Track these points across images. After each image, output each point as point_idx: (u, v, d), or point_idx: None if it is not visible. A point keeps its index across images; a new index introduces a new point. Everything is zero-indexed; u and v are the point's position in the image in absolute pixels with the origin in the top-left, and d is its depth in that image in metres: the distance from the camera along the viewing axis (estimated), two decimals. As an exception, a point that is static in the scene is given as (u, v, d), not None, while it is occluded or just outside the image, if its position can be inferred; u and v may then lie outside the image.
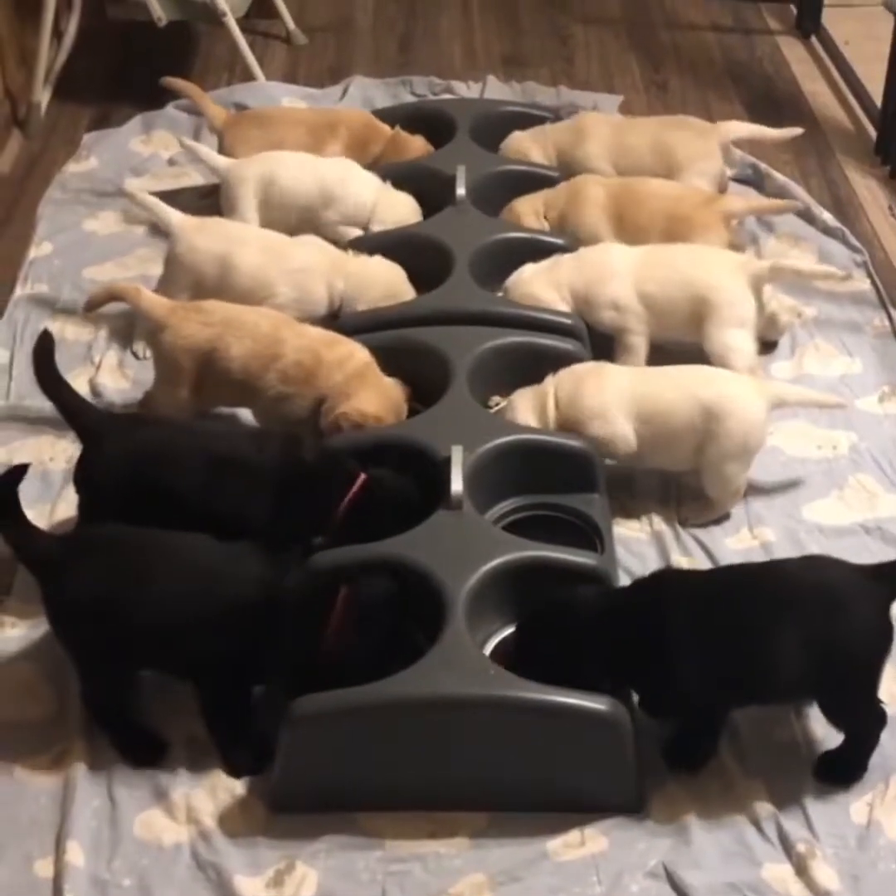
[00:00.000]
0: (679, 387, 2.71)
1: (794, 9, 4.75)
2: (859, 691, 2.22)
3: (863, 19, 4.58)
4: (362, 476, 2.50)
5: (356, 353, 2.79)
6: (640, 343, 3.02)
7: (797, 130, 3.62)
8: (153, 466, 2.48)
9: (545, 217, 3.31)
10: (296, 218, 3.34)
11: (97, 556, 2.27)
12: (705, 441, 2.68)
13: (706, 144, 3.50)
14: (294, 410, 2.76)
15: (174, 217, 3.19)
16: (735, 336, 2.95)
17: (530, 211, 3.31)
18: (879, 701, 2.24)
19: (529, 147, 3.59)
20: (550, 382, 2.75)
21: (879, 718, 2.24)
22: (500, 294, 3.11)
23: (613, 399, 2.70)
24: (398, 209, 3.37)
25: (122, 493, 2.47)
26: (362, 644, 2.22)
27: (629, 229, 3.23)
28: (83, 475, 2.55)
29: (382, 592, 2.28)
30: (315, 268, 3.09)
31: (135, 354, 3.18)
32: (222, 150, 3.63)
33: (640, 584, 2.32)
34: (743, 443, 2.69)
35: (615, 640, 2.20)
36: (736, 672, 2.19)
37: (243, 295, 2.98)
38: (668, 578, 2.33)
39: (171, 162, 3.89)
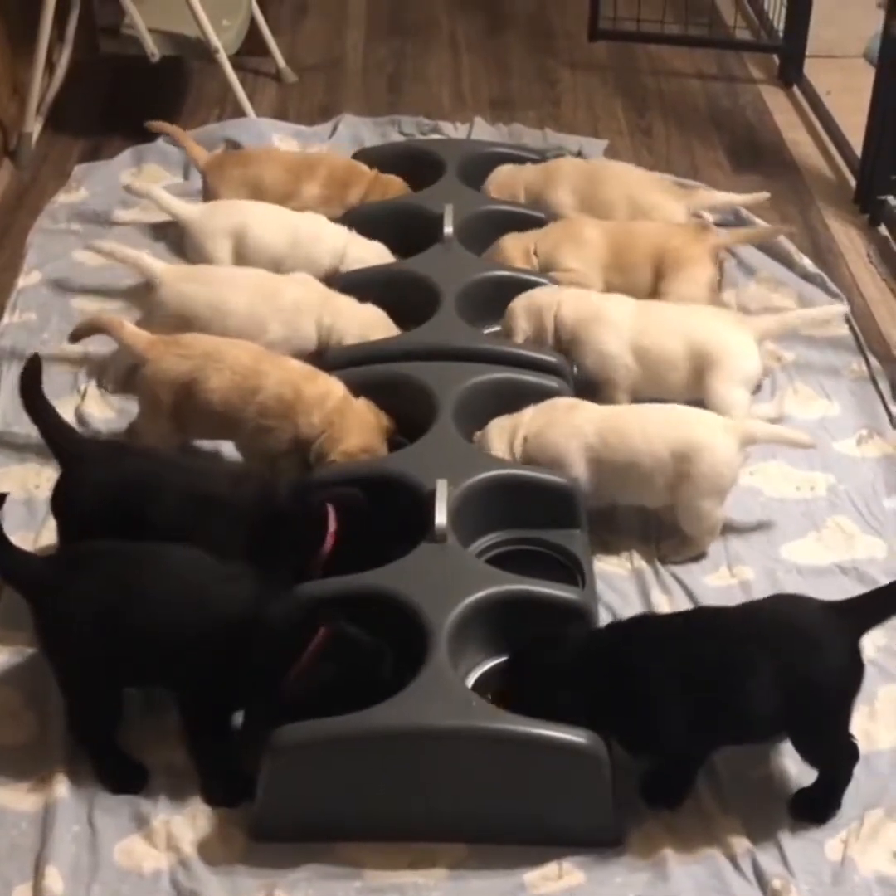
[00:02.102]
0: (648, 431, 2.72)
1: (776, 59, 4.82)
2: (831, 726, 2.24)
3: (844, 70, 4.66)
4: (331, 515, 2.50)
5: (333, 389, 2.81)
6: (621, 398, 3.03)
7: (764, 195, 3.68)
8: (130, 495, 2.49)
9: (535, 253, 3.35)
10: (265, 268, 3.30)
11: (90, 571, 2.28)
12: (678, 480, 2.71)
13: (678, 209, 3.55)
14: (274, 444, 2.79)
15: (158, 266, 3.20)
16: (737, 393, 2.96)
17: (520, 251, 3.35)
18: (851, 736, 2.27)
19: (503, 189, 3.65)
20: (526, 416, 2.78)
21: (851, 754, 2.27)
22: (488, 330, 3.16)
23: (577, 443, 2.72)
24: (366, 255, 3.38)
25: (97, 519, 2.48)
26: (325, 690, 2.22)
27: (621, 268, 3.28)
28: (60, 499, 2.57)
29: (360, 643, 2.28)
30: (304, 305, 3.11)
31: (102, 388, 3.20)
32: (206, 189, 3.67)
33: (616, 628, 2.35)
34: (716, 481, 2.72)
35: (594, 684, 2.22)
36: (711, 714, 2.20)
37: (236, 337, 2.98)
38: (643, 623, 2.35)
39: (161, 195, 3.92)
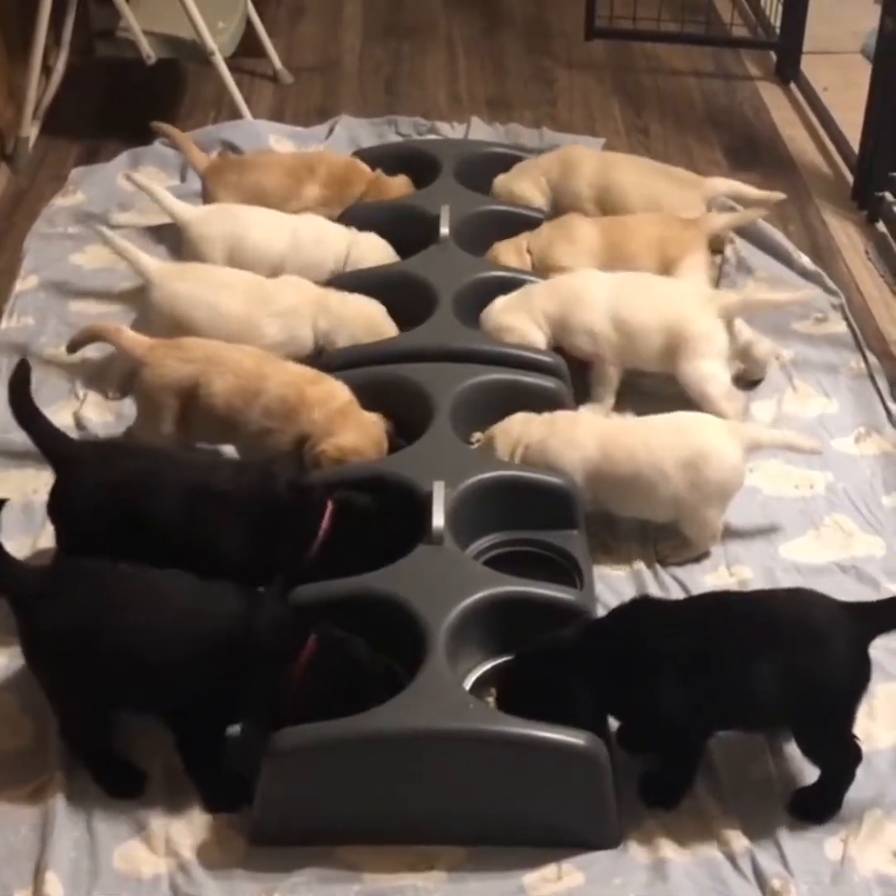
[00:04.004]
0: (652, 444, 2.71)
1: (773, 55, 4.82)
2: (834, 726, 2.24)
3: (841, 66, 4.66)
4: (329, 507, 2.51)
5: (338, 392, 2.82)
6: (612, 373, 3.10)
7: (779, 195, 3.65)
8: (126, 494, 2.49)
9: (528, 251, 3.35)
10: (266, 273, 3.28)
11: (73, 590, 2.26)
12: (683, 490, 2.70)
13: (691, 197, 3.56)
14: (276, 445, 2.78)
15: (151, 265, 3.19)
16: (709, 365, 3.02)
17: (512, 249, 3.35)
18: (855, 737, 2.26)
19: (523, 186, 3.64)
20: (529, 425, 2.78)
21: (854, 755, 2.27)
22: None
23: (577, 456, 2.72)
24: (371, 254, 3.37)
25: (95, 520, 2.48)
26: (323, 699, 2.22)
27: (619, 260, 3.28)
28: (56, 504, 2.57)
29: (347, 644, 2.27)
30: (300, 309, 3.11)
31: (104, 394, 3.19)
32: (206, 194, 3.66)
33: (621, 610, 2.35)
34: (721, 489, 2.72)
35: (597, 664, 2.22)
36: (711, 695, 2.21)
37: (230, 338, 2.98)
38: (651, 605, 2.36)
39: (158, 198, 3.91)
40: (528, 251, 3.35)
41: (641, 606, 2.34)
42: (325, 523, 2.50)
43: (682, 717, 2.22)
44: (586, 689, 2.22)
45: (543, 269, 3.32)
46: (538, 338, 3.09)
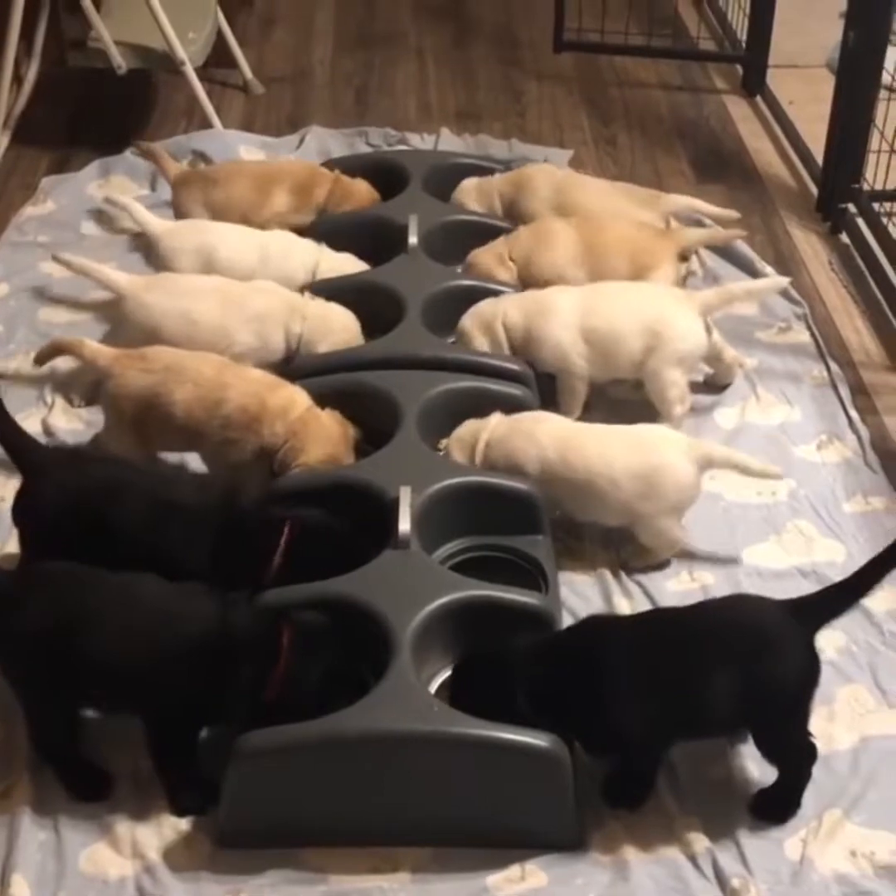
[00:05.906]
0: (607, 454, 2.74)
1: (740, 69, 4.88)
2: (791, 724, 2.27)
3: (807, 80, 4.71)
4: (288, 525, 2.51)
5: (297, 399, 2.83)
6: (580, 386, 3.11)
7: (735, 214, 3.70)
8: (92, 501, 2.50)
9: (511, 259, 3.37)
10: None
11: (47, 591, 2.27)
12: (635, 502, 2.73)
13: (651, 215, 3.59)
14: (239, 455, 2.79)
15: (120, 278, 3.20)
16: (674, 372, 3.06)
17: (494, 260, 3.37)
18: (809, 734, 2.29)
19: (469, 200, 3.67)
20: (490, 422, 2.80)
21: (810, 753, 2.30)
22: (451, 340, 3.18)
23: (535, 455, 2.75)
24: (341, 270, 3.37)
25: (60, 526, 2.49)
26: (309, 684, 2.25)
27: (597, 255, 3.31)
28: (22, 508, 2.57)
29: (321, 628, 2.30)
30: (272, 315, 3.12)
31: (69, 401, 3.20)
32: (174, 204, 3.69)
33: (572, 630, 2.37)
34: (674, 503, 2.75)
35: (550, 686, 2.24)
36: (668, 711, 2.23)
37: (204, 346, 2.99)
38: (599, 624, 2.38)
39: (129, 207, 3.92)
40: (511, 259, 3.37)
41: (591, 625, 2.36)
42: (282, 543, 2.50)
43: (638, 732, 2.24)
44: (526, 701, 2.22)
45: (526, 271, 3.33)
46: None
